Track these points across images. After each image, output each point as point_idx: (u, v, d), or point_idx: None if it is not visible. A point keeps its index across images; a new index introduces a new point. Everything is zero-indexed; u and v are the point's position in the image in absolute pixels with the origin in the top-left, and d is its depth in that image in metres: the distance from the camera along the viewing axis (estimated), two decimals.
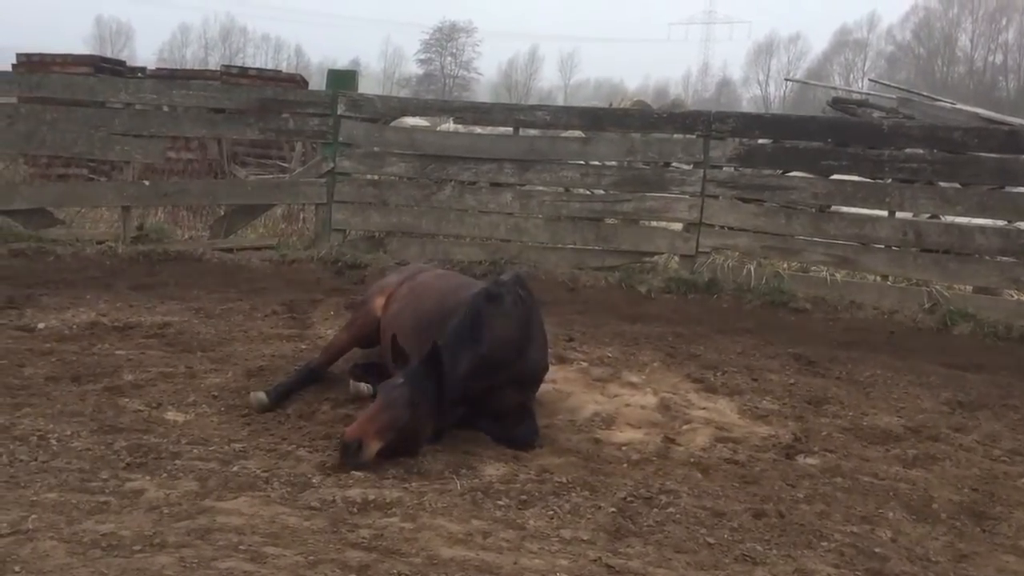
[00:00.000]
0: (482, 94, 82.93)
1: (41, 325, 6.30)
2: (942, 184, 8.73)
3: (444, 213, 9.68)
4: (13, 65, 13.73)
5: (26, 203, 9.24)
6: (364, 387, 5.11)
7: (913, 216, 9.00)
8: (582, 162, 9.73)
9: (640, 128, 9.69)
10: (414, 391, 4.29)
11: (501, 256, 9.35)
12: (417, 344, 4.68)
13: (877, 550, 3.77)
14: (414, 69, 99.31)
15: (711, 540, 3.74)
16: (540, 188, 9.74)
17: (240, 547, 3.31)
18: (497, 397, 4.70)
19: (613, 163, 9.78)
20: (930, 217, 8.93)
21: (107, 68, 14.32)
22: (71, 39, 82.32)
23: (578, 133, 10.40)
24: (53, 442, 4.26)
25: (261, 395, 5.01)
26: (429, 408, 4.33)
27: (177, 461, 4.15)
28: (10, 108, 9.88)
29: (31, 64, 13.81)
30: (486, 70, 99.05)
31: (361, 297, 6.03)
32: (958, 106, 12.22)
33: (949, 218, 8.87)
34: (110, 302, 7.08)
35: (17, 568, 3.06)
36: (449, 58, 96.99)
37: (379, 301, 5.49)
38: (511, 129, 9.97)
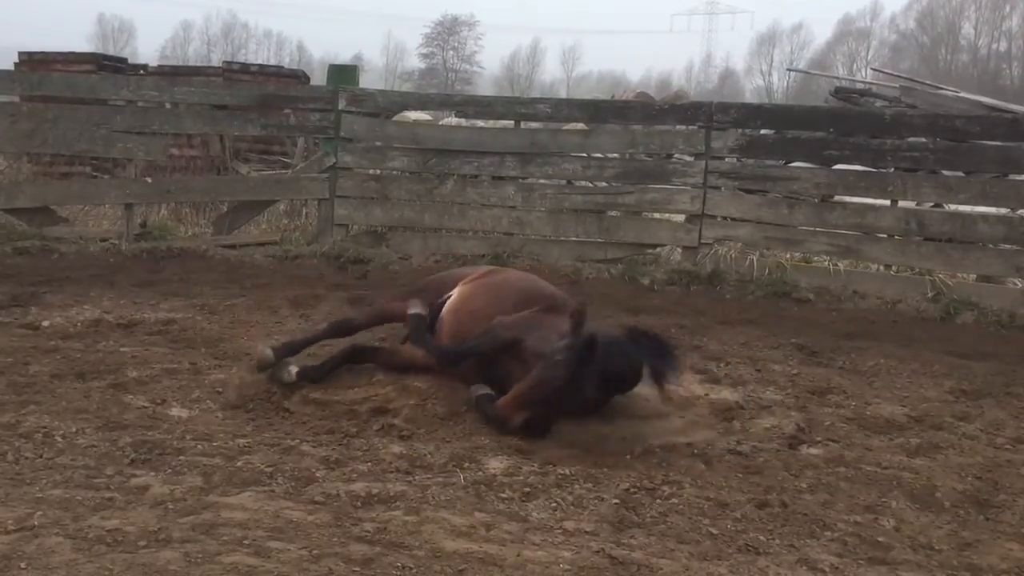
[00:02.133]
0: (484, 88, 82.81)
1: (46, 323, 6.33)
2: (945, 173, 8.72)
3: (446, 207, 9.69)
4: (15, 64, 13.71)
5: (29, 201, 9.26)
6: (266, 352, 5.13)
7: (916, 205, 8.99)
8: (584, 154, 9.73)
9: (642, 120, 9.68)
10: (568, 371, 4.40)
11: (503, 249, 9.36)
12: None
13: (880, 539, 3.77)
14: (416, 63, 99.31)
15: (714, 530, 3.75)
16: (542, 181, 9.74)
17: (244, 542, 3.33)
18: None
19: (615, 155, 9.77)
20: (933, 206, 8.92)
21: (109, 66, 14.26)
22: (74, 37, 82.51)
23: (580, 125, 10.39)
24: (58, 439, 4.28)
25: (267, 351, 5.07)
26: (576, 388, 4.41)
27: (181, 457, 4.16)
28: (12, 107, 9.91)
29: (33, 63, 13.78)
30: (488, 64, 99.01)
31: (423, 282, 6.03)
32: (961, 94, 12.19)
33: (952, 207, 8.86)
34: (114, 299, 7.11)
35: (23, 564, 3.08)
36: (451, 52, 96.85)
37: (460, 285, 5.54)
38: (513, 122, 9.98)
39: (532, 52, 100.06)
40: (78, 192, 10.05)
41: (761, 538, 3.71)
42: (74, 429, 4.39)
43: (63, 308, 6.73)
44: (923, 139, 8.64)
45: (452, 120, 13.80)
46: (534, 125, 10.34)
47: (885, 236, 8.80)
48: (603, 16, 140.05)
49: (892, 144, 8.65)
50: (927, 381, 6.13)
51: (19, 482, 3.79)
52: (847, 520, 3.92)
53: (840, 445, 4.82)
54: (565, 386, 4.38)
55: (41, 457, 4.08)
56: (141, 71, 14.66)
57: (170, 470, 4.02)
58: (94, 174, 12.49)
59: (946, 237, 8.54)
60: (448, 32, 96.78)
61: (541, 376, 4.46)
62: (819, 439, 4.88)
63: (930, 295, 8.33)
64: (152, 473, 3.97)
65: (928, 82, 15.33)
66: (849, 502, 4.12)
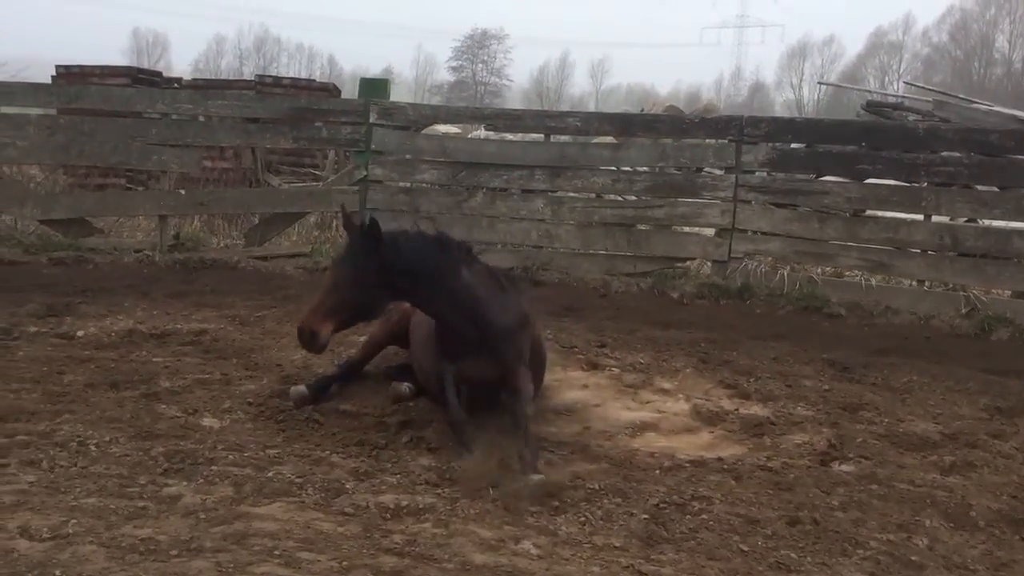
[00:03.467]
0: (514, 101, 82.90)
1: (80, 333, 6.41)
2: (979, 187, 8.62)
3: (475, 220, 9.72)
4: (52, 77, 13.95)
5: (65, 212, 9.41)
6: (405, 388, 5.18)
7: (949, 220, 8.89)
8: (613, 168, 9.72)
9: (671, 133, 9.67)
10: (356, 268, 4.46)
11: (533, 263, 9.37)
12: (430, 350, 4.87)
13: (913, 558, 3.72)
14: (446, 76, 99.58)
15: (745, 547, 3.72)
16: (571, 194, 9.75)
17: (275, 552, 3.35)
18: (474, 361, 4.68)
19: (644, 169, 9.75)
20: (967, 221, 8.82)
21: (143, 79, 14.45)
22: (109, 51, 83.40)
23: (609, 139, 10.39)
24: (92, 448, 4.33)
25: (302, 388, 5.13)
26: (375, 279, 4.45)
27: (213, 467, 4.20)
28: (49, 119, 10.08)
29: (70, 76, 13.99)
30: (517, 77, 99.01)
31: None
32: (995, 108, 12.06)
33: (986, 222, 8.75)
34: (147, 310, 7.19)
35: (57, 572, 3.11)
36: (480, 65, 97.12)
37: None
38: (542, 136, 10.00)
39: (561, 65, 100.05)
40: (113, 203, 10.19)
41: (792, 556, 3.68)
42: (108, 438, 4.44)
43: (97, 318, 6.82)
44: (957, 153, 8.55)
45: (481, 133, 13.85)
46: (563, 138, 10.35)
47: (918, 251, 8.71)
48: (632, 29, 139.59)
49: (925, 158, 8.56)
50: (961, 398, 6.05)
51: (54, 490, 3.84)
52: (880, 538, 3.88)
53: (872, 462, 4.76)
54: (357, 283, 4.41)
55: (75, 466, 4.13)
56: (175, 84, 14.86)
57: (202, 480, 4.05)
58: (129, 186, 12.66)
59: (980, 252, 8.43)
60: (478, 46, 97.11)
61: (329, 280, 4.55)
62: (851, 456, 4.83)
63: (964, 311, 8.23)
64: (184, 483, 4.01)
65: (961, 96, 15.17)
66: (882, 520, 4.07)
